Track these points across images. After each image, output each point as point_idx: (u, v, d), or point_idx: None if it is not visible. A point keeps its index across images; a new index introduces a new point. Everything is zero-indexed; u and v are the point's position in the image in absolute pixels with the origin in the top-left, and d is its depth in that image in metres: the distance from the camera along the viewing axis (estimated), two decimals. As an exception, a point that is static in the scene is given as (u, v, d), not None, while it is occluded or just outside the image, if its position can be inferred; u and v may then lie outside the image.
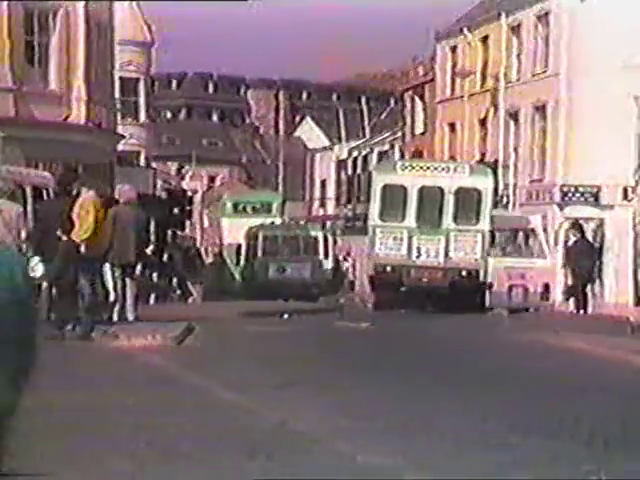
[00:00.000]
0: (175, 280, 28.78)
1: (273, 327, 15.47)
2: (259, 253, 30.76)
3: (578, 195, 34.55)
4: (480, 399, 7.69)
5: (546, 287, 22.03)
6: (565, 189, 34.67)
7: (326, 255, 29.87)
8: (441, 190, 19.73)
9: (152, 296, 24.67)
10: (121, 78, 36.46)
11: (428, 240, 19.62)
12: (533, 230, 22.95)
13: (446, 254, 19.58)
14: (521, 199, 36.66)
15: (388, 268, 19.54)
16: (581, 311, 20.69)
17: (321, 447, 5.60)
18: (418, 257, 19.61)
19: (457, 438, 5.93)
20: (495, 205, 21.84)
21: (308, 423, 6.27)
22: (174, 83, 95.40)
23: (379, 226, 19.82)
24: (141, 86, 40.86)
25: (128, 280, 13.57)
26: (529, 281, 21.87)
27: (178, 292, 28.64)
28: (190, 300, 28.11)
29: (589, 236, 35.21)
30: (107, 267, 14.01)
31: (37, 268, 13.58)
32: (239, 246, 31.94)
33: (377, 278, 19.77)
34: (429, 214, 19.66)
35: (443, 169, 20.61)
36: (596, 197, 34.30)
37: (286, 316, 18.32)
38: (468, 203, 19.76)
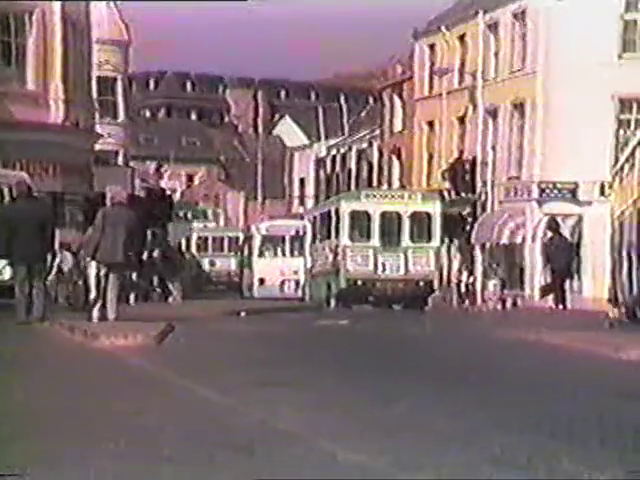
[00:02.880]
0: (155, 279, 28.78)
1: (254, 326, 15.50)
2: (193, 250, 39.27)
3: (556, 192, 34.76)
4: (460, 396, 7.74)
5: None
6: (543, 186, 34.87)
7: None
8: (398, 214, 23.87)
9: (132, 295, 24.64)
10: (99, 77, 36.34)
11: (390, 257, 23.66)
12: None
13: (405, 268, 23.58)
14: (499, 196, 36.81)
15: (359, 282, 23.41)
16: (560, 306, 20.82)
17: (302, 445, 5.63)
18: (383, 271, 23.65)
19: (438, 435, 5.98)
20: (445, 224, 26.15)
21: (289, 421, 6.30)
22: (152, 82, 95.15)
23: (349, 246, 23.79)
24: (119, 85, 40.72)
25: (112, 278, 13.61)
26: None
27: (158, 291, 28.63)
28: (170, 299, 28.12)
29: (567, 232, 35.47)
30: (92, 265, 14.03)
31: (4, 271, 13.54)
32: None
33: (349, 289, 23.62)
34: (390, 235, 23.79)
35: (400, 196, 25.27)
36: (574, 193, 34.51)
37: (243, 314, 18.47)
38: (421, 225, 23.97)
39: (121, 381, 8.53)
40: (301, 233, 28.39)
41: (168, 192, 45.09)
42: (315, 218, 26.80)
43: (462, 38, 39.76)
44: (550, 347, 12.16)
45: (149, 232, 34.83)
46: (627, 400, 7.56)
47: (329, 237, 24.57)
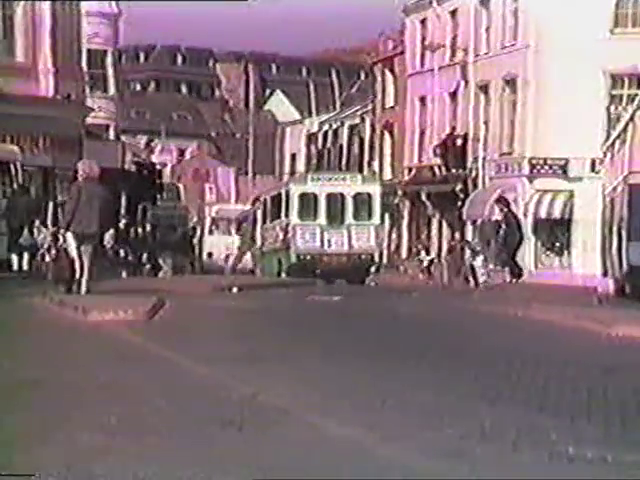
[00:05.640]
0: (145, 255, 28.74)
1: (245, 302, 15.52)
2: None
3: (547, 168, 34.77)
4: (449, 371, 7.77)
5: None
6: (534, 162, 34.86)
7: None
8: (342, 195, 26.17)
9: (124, 270, 24.59)
10: (88, 50, 36.11)
11: (335, 233, 25.91)
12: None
13: (349, 243, 25.81)
14: (490, 172, 36.81)
15: (308, 257, 25.62)
16: (515, 280, 21.01)
17: (292, 420, 5.65)
18: (329, 247, 25.89)
19: (426, 410, 6.00)
20: (384, 204, 28.87)
21: (279, 396, 6.31)
22: (142, 56, 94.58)
23: (299, 225, 25.95)
24: (109, 58, 40.47)
25: (84, 252, 13.57)
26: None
27: (148, 266, 28.61)
28: (161, 274, 28.10)
29: (558, 208, 35.46)
30: (69, 236, 13.99)
31: None
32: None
33: (299, 264, 25.59)
34: (335, 214, 25.96)
35: (343, 179, 27.62)
36: (564, 169, 34.53)
37: (235, 290, 18.40)
38: (363, 204, 26.21)
39: (111, 355, 8.53)
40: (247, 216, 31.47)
41: (158, 167, 44.93)
42: (265, 201, 29.25)
43: (453, 13, 39.60)
44: (540, 323, 12.20)
45: (139, 207, 34.83)
46: (615, 376, 7.60)
47: (279, 217, 26.92)
